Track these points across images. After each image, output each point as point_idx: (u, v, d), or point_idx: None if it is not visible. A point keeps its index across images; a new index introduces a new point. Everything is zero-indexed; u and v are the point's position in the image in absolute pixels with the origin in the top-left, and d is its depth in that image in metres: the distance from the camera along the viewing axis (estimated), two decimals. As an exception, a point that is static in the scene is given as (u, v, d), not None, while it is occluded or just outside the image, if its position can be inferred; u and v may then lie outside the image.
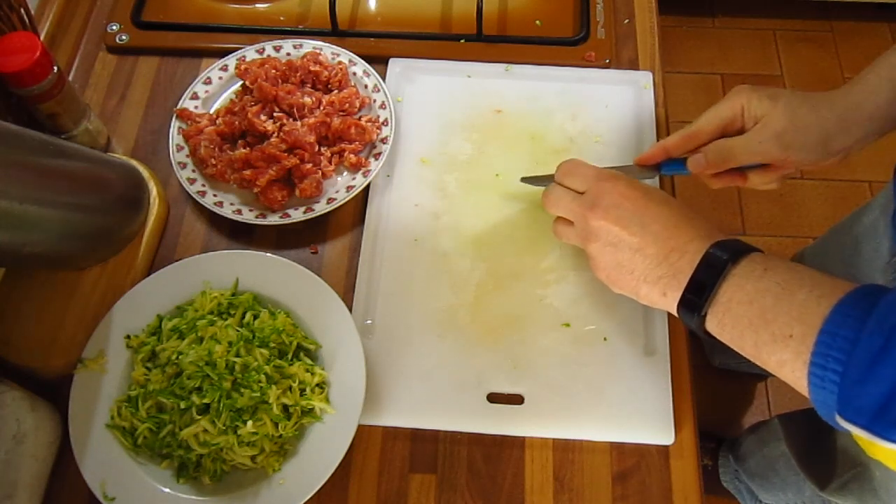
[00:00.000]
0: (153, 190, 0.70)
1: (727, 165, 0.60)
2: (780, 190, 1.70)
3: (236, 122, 0.71)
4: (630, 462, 0.60)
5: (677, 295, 0.51)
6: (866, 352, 0.39)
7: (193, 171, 0.71)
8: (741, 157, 0.59)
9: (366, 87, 0.75)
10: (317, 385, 0.59)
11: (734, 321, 0.48)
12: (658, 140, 0.73)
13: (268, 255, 0.65)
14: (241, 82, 0.76)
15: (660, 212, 0.54)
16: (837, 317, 0.42)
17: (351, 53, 0.76)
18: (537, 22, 0.81)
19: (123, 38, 0.80)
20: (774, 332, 0.45)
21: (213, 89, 0.75)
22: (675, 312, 0.53)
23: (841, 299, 0.42)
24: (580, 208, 0.57)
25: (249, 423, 0.56)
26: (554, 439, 0.61)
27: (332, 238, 0.70)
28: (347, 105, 0.72)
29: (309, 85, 0.74)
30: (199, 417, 0.57)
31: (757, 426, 1.17)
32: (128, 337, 0.62)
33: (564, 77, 0.77)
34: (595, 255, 0.57)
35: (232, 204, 0.69)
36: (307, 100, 0.71)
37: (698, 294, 0.50)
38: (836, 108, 0.57)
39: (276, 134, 0.70)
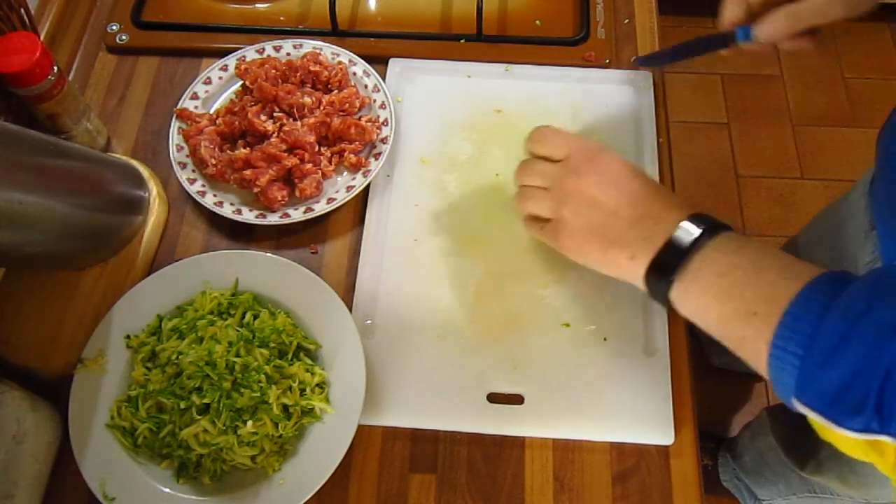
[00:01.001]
0: (153, 190, 0.70)
1: (795, 30, 0.57)
2: (781, 190, 1.72)
3: (236, 122, 0.71)
4: (630, 462, 0.60)
5: (646, 260, 0.51)
6: (829, 337, 0.39)
7: (193, 171, 0.71)
8: (809, 21, 0.57)
9: (366, 87, 0.75)
10: (317, 385, 0.59)
11: (700, 291, 0.48)
12: (659, 140, 0.73)
13: (268, 255, 0.65)
14: (241, 82, 0.76)
15: (637, 182, 0.55)
16: (803, 300, 0.42)
17: (351, 53, 0.76)
18: (537, 22, 0.81)
19: (123, 38, 0.80)
20: (738, 308, 0.45)
21: (213, 89, 0.75)
22: (636, 280, 0.52)
23: (808, 282, 0.42)
24: (561, 172, 0.57)
25: (249, 423, 0.56)
26: (554, 439, 0.61)
27: (332, 238, 0.70)
28: (347, 105, 0.72)
29: (309, 85, 0.74)
30: (199, 417, 0.57)
31: (750, 422, 1.18)
32: (128, 337, 0.62)
33: (564, 77, 0.77)
34: (567, 218, 0.56)
35: (232, 204, 0.69)
36: (307, 100, 0.71)
37: (671, 259, 0.50)
38: None
39: (276, 134, 0.70)
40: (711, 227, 0.50)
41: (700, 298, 0.48)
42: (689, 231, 0.50)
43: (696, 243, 0.49)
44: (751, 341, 0.44)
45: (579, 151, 0.57)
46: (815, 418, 0.40)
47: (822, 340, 0.40)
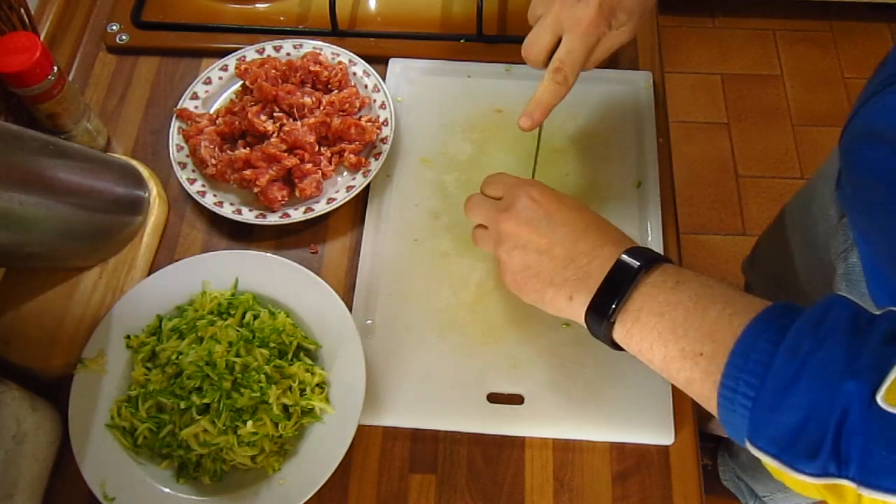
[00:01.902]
0: (153, 190, 0.70)
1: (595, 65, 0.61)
2: (781, 190, 1.72)
3: (236, 122, 0.71)
4: (630, 462, 0.60)
5: (584, 300, 0.50)
6: (779, 378, 0.38)
7: (193, 171, 0.71)
8: (604, 56, 0.61)
9: (366, 87, 0.75)
10: (317, 385, 0.59)
11: (643, 332, 0.47)
12: (659, 140, 0.73)
13: (268, 255, 0.65)
14: (241, 82, 0.76)
15: (571, 216, 0.53)
16: (749, 338, 0.40)
17: (351, 53, 0.76)
18: (537, 22, 0.81)
19: (123, 38, 0.80)
20: (684, 349, 0.44)
21: (213, 89, 0.75)
22: (579, 319, 0.51)
23: (753, 319, 0.41)
24: (494, 212, 0.56)
25: (249, 423, 0.56)
26: (554, 439, 0.61)
27: (332, 238, 0.70)
28: (347, 105, 0.72)
29: (309, 85, 0.74)
30: (199, 417, 0.57)
31: None
32: (128, 337, 0.62)
33: (564, 77, 0.77)
34: (504, 258, 0.55)
35: (232, 204, 0.69)
36: (307, 100, 0.71)
37: (609, 299, 0.48)
38: None
39: (276, 134, 0.70)
40: (648, 262, 0.48)
41: (643, 340, 0.47)
42: (625, 268, 0.48)
43: (634, 281, 0.47)
44: (698, 382, 0.43)
45: (512, 188, 0.56)
46: (769, 462, 0.39)
47: (772, 381, 0.38)
